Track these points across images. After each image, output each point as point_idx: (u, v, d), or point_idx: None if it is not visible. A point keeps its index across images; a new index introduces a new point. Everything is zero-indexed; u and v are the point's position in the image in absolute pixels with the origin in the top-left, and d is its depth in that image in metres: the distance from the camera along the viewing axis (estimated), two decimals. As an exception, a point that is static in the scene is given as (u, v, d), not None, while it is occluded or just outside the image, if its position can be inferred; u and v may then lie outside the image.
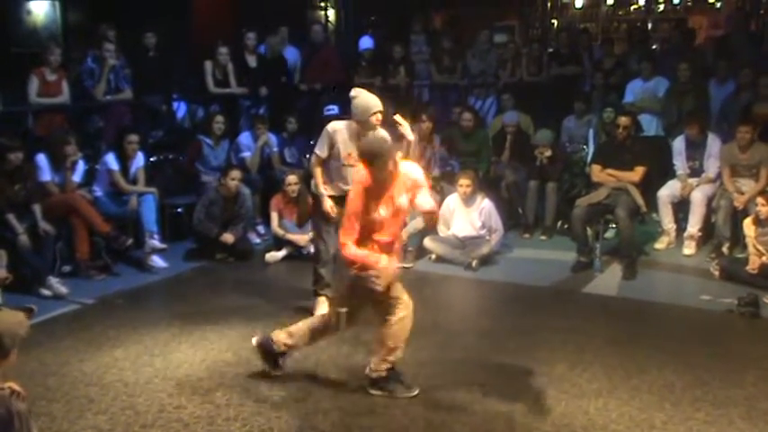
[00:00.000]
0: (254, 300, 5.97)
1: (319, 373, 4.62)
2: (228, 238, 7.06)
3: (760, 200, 6.28)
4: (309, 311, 5.34)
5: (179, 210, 7.79)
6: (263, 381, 4.48)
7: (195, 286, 6.51)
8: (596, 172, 7.24)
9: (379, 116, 5.03)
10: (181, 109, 9.59)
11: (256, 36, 9.25)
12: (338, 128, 5.25)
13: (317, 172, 5.35)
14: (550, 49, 10.42)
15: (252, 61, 9.10)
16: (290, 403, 4.21)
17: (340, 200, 5.05)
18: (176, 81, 9.35)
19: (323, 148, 5.27)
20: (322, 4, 13.22)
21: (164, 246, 6.97)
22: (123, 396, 4.28)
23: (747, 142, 7.07)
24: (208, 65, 8.83)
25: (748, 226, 6.35)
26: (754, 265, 6.17)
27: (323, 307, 5.36)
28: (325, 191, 5.33)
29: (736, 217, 6.86)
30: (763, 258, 6.18)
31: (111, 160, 7.00)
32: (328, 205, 5.29)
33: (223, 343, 5.08)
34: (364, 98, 5.06)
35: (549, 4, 16.63)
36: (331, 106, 8.50)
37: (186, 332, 5.27)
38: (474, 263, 6.90)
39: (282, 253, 7.17)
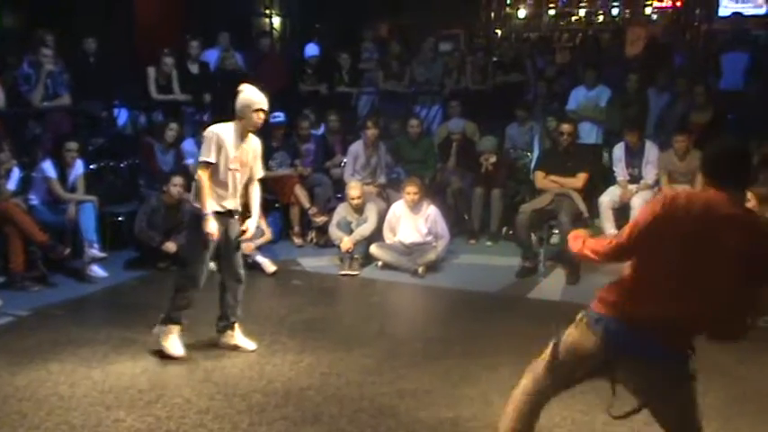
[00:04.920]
0: (196, 309, 5.83)
1: (265, 383, 4.55)
2: (171, 246, 6.92)
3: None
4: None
5: (120, 218, 7.61)
6: (205, 392, 4.40)
7: (136, 296, 6.37)
8: (540, 178, 7.34)
9: (262, 114, 4.80)
10: (122, 115, 9.39)
11: (200, 44, 9.14)
12: (222, 130, 4.82)
13: (205, 184, 4.74)
14: (495, 58, 10.55)
15: (194, 68, 8.98)
16: (232, 414, 4.13)
17: (218, 216, 4.78)
18: (118, 87, 9.16)
19: (211, 153, 4.74)
20: (267, 12, 13.15)
21: (103, 255, 6.79)
22: (58, 411, 4.14)
23: (684, 150, 7.26)
24: (151, 71, 8.69)
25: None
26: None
27: (173, 337, 4.92)
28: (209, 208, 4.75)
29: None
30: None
31: (48, 168, 6.81)
32: (213, 228, 4.71)
33: (164, 353, 4.95)
34: (248, 94, 4.82)
35: (493, 14, 16.88)
36: (277, 113, 8.43)
37: (126, 343, 5.13)
38: (420, 269, 6.91)
39: (227, 261, 7.07)
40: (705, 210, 2.66)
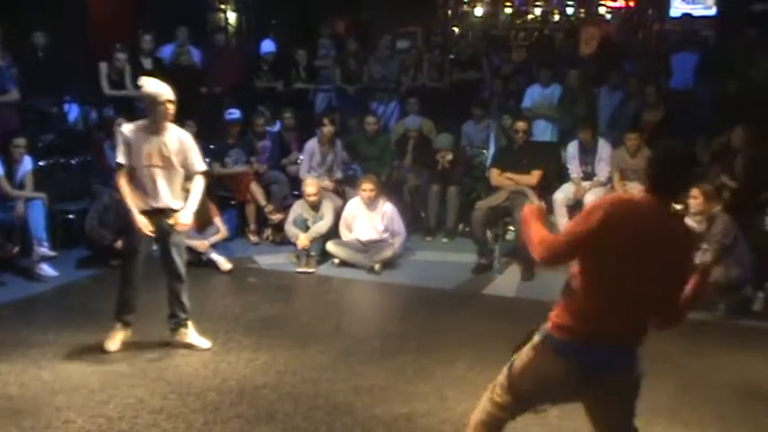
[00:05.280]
0: (149, 308, 5.75)
1: (219, 382, 4.51)
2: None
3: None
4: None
5: (71, 216, 7.46)
6: (158, 391, 4.35)
7: (88, 295, 6.24)
8: (495, 176, 7.40)
9: (170, 105, 4.70)
10: (73, 111, 9.21)
11: (153, 39, 9.01)
12: (133, 128, 4.77)
13: (123, 183, 4.75)
14: (452, 56, 10.60)
15: (148, 64, 8.85)
16: (186, 413, 4.09)
17: (146, 215, 4.75)
18: (69, 82, 8.98)
19: (122, 155, 4.74)
20: (222, 7, 13.02)
21: (53, 253, 6.65)
22: (6, 412, 4.05)
23: (636, 148, 7.39)
24: (103, 66, 8.54)
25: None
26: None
27: (113, 334, 4.92)
28: (136, 205, 4.77)
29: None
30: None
31: (-7, 164, 6.65)
32: (142, 223, 4.73)
33: (117, 353, 4.89)
34: (152, 86, 4.72)
35: (450, 12, 16.98)
36: (232, 110, 8.37)
37: (77, 343, 5.03)
38: (377, 266, 6.92)
39: (181, 259, 6.98)
40: (641, 220, 2.66)
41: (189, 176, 4.97)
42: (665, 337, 5.43)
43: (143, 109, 8.80)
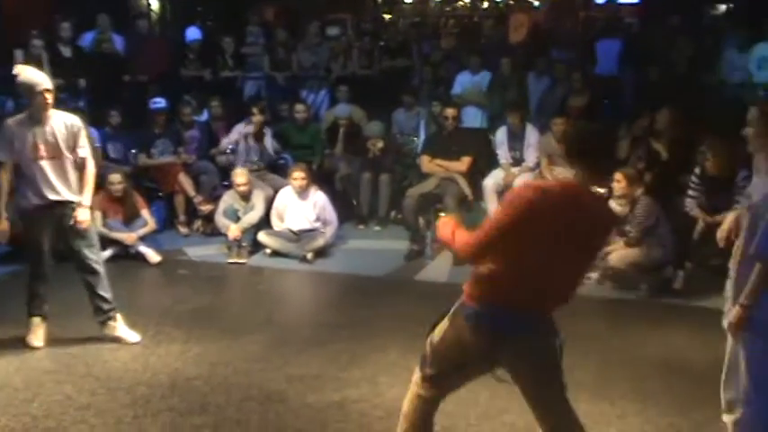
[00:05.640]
0: (74, 303, 5.59)
1: (150, 375, 4.44)
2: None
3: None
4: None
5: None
6: (86, 387, 4.25)
7: (9, 291, 5.99)
8: (425, 162, 7.46)
9: (48, 95, 4.56)
10: (-12, 100, 8.86)
11: (72, 26, 8.74)
12: (13, 122, 4.65)
13: (4, 180, 4.65)
14: (382, 43, 10.59)
15: (67, 51, 8.58)
16: (116, 408, 4.02)
17: (44, 209, 4.65)
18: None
19: (4, 150, 4.62)
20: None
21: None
22: (-76, 414, 3.90)
23: (562, 133, 7.53)
24: (18, 54, 8.24)
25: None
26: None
27: (32, 330, 4.84)
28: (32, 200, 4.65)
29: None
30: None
31: None
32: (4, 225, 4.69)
33: (41, 351, 4.76)
34: (29, 75, 4.56)
35: (380, -1, 16.97)
36: (157, 99, 8.19)
37: (-1, 341, 4.88)
38: (309, 255, 6.89)
39: (108, 253, 6.79)
40: (563, 206, 2.69)
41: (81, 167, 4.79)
42: (590, 315, 5.63)
43: (64, 99, 8.63)
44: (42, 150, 4.59)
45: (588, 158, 2.75)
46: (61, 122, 4.68)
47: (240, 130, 8.02)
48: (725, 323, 3.29)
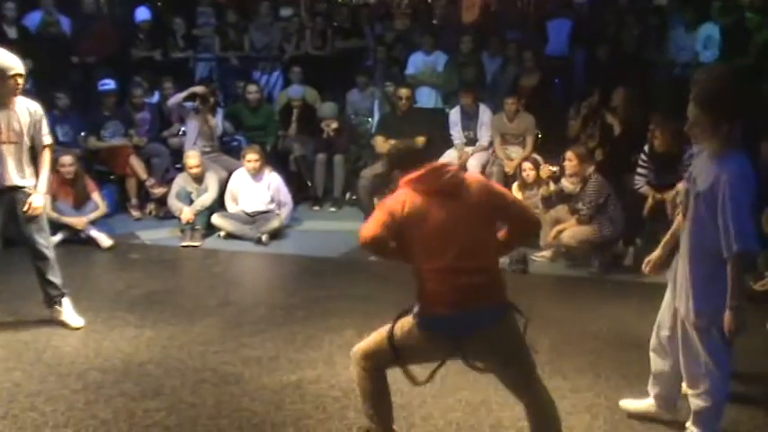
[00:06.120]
0: (24, 290, 5.49)
1: (102, 360, 4.38)
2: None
3: (526, 165, 6.77)
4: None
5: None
6: (36, 374, 4.18)
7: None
8: (380, 143, 7.46)
9: (19, 79, 4.50)
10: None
11: (16, 6, 8.50)
12: None
13: None
14: (335, 24, 10.51)
15: (12, 33, 8.33)
16: (67, 395, 3.95)
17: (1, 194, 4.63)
18: None
19: None
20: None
21: None
22: None
23: (514, 113, 7.61)
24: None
25: (516, 190, 6.83)
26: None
27: None
28: None
29: (508, 181, 7.36)
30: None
31: None
32: None
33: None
34: (1, 59, 4.48)
35: (333, -21, 16.76)
36: (106, 80, 8.03)
37: (-55, 329, 4.76)
38: (264, 237, 6.86)
39: (58, 237, 6.66)
40: (436, 209, 2.92)
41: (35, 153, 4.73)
42: (543, 292, 5.71)
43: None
44: (5, 135, 4.54)
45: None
46: (25, 108, 4.64)
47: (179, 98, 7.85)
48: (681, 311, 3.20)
